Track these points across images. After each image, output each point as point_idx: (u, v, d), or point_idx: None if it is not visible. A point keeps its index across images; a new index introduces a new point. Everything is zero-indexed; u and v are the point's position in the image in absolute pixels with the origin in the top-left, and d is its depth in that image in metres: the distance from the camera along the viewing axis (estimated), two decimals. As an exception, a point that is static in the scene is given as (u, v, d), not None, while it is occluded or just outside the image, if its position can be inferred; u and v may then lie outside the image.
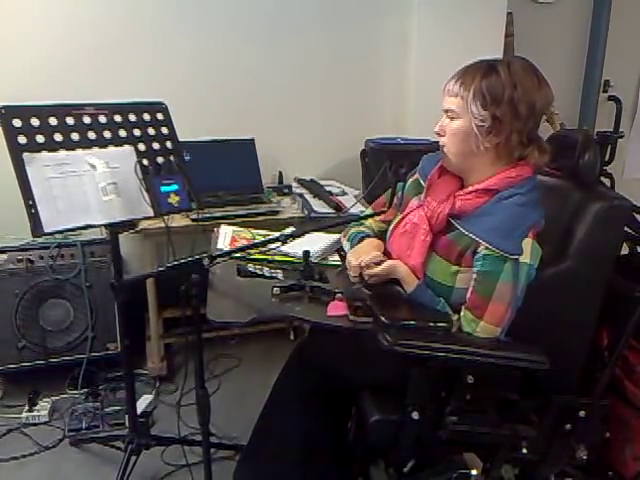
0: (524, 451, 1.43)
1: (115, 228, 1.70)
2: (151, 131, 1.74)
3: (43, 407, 2.27)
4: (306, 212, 2.50)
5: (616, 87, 3.69)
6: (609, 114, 3.59)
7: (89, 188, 1.58)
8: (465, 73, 1.39)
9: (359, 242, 1.61)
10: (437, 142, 1.46)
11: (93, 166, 1.59)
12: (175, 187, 1.73)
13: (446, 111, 1.42)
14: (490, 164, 1.41)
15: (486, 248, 1.34)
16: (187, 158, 2.33)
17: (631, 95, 3.80)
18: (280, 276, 1.54)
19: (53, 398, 2.34)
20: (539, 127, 1.42)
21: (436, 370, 1.32)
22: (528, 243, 1.34)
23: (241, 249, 1.54)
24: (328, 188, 2.75)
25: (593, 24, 3.60)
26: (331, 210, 2.50)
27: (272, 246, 1.52)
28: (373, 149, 2.66)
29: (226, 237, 1.76)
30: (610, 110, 3.60)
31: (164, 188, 1.71)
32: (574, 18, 3.62)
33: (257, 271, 1.55)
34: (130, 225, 1.69)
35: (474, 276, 1.36)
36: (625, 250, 1.66)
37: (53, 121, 1.57)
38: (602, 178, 2.81)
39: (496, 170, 1.41)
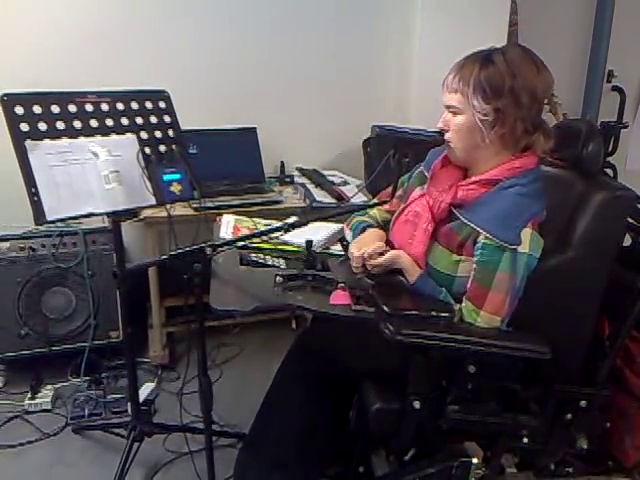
0: (525, 440, 1.44)
1: (117, 216, 1.70)
2: (153, 119, 1.73)
3: (46, 394, 2.28)
4: (308, 202, 2.49)
5: (620, 77, 3.67)
6: (613, 104, 3.57)
7: (91, 176, 1.58)
8: (462, 67, 1.38)
9: (361, 232, 1.61)
10: (442, 134, 1.45)
11: (95, 154, 1.58)
12: (177, 176, 1.73)
13: (447, 107, 1.42)
14: (495, 155, 1.41)
15: (485, 237, 1.34)
16: (193, 152, 2.34)
17: (635, 85, 3.77)
18: (282, 265, 1.54)
19: (56, 386, 2.36)
20: (542, 113, 1.42)
21: (437, 359, 1.32)
22: (527, 233, 1.34)
23: (243, 238, 1.54)
24: (330, 178, 2.75)
25: (597, 13, 3.57)
26: (333, 200, 2.50)
27: (274, 235, 1.52)
28: (379, 135, 2.63)
29: (228, 226, 1.76)
30: (614, 100, 3.58)
31: (166, 177, 1.71)
32: (578, 7, 3.59)
33: (260, 260, 1.56)
34: (132, 214, 1.70)
35: (474, 266, 1.37)
36: (627, 241, 1.65)
37: (55, 109, 1.57)
38: (605, 169, 2.80)
39: (501, 160, 1.41)
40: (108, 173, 1.58)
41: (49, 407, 2.25)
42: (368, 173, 2.74)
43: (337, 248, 1.71)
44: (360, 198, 2.35)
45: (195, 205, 2.15)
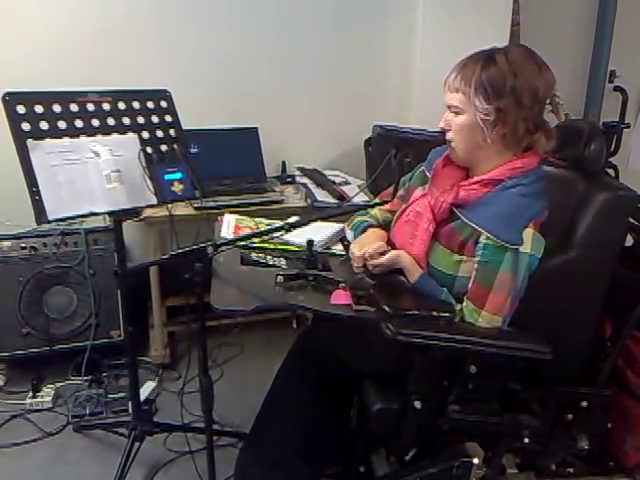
0: (526, 440, 1.43)
1: (118, 216, 1.70)
2: (155, 119, 1.73)
3: (47, 393, 2.29)
4: (309, 202, 2.49)
5: (622, 77, 3.66)
6: (615, 104, 3.56)
7: (93, 176, 1.57)
8: (464, 67, 1.38)
9: (362, 232, 1.61)
10: (443, 133, 1.45)
11: (97, 153, 1.58)
12: (179, 175, 1.72)
13: (449, 107, 1.42)
14: (497, 154, 1.41)
15: (487, 237, 1.34)
16: (194, 151, 2.34)
17: (637, 86, 3.76)
18: (283, 265, 1.54)
19: (57, 385, 2.36)
20: (543, 113, 1.41)
21: (438, 359, 1.32)
22: (529, 233, 1.33)
23: (245, 237, 1.54)
24: (331, 178, 2.74)
25: (600, 14, 3.57)
26: (334, 200, 2.50)
27: (275, 235, 1.52)
28: (380, 134, 2.63)
29: (229, 225, 1.76)
30: (616, 101, 3.57)
31: (168, 176, 1.70)
32: (580, 7, 3.59)
33: (261, 260, 1.56)
34: (133, 213, 1.69)
35: (475, 266, 1.36)
36: (629, 241, 1.65)
37: (57, 108, 1.56)
38: (607, 169, 2.80)
39: (503, 160, 1.40)
40: (109, 172, 1.58)
41: (50, 406, 2.25)
42: (369, 173, 2.74)
43: (338, 248, 1.71)
44: (361, 198, 2.35)
45: (196, 205, 2.16)
